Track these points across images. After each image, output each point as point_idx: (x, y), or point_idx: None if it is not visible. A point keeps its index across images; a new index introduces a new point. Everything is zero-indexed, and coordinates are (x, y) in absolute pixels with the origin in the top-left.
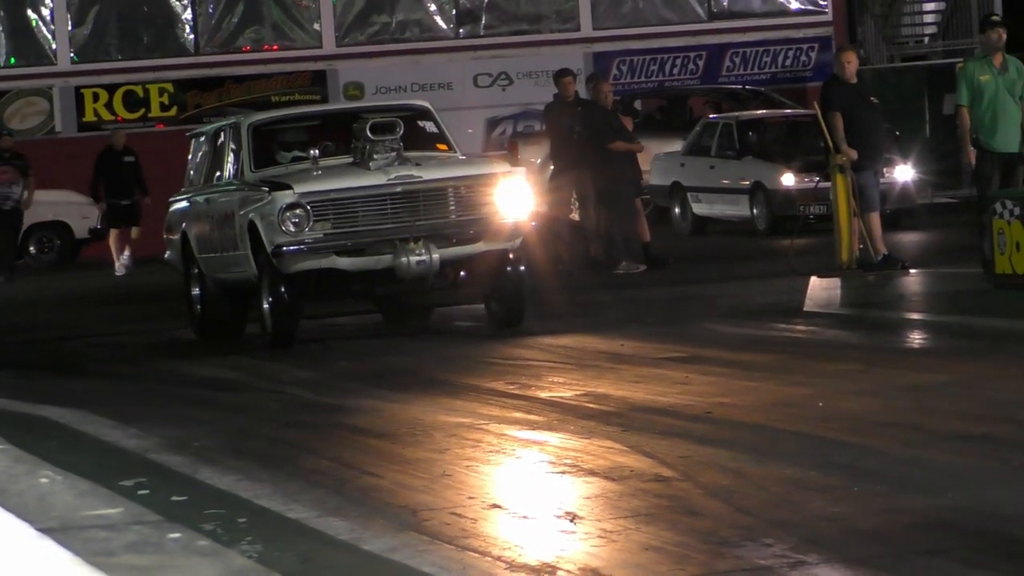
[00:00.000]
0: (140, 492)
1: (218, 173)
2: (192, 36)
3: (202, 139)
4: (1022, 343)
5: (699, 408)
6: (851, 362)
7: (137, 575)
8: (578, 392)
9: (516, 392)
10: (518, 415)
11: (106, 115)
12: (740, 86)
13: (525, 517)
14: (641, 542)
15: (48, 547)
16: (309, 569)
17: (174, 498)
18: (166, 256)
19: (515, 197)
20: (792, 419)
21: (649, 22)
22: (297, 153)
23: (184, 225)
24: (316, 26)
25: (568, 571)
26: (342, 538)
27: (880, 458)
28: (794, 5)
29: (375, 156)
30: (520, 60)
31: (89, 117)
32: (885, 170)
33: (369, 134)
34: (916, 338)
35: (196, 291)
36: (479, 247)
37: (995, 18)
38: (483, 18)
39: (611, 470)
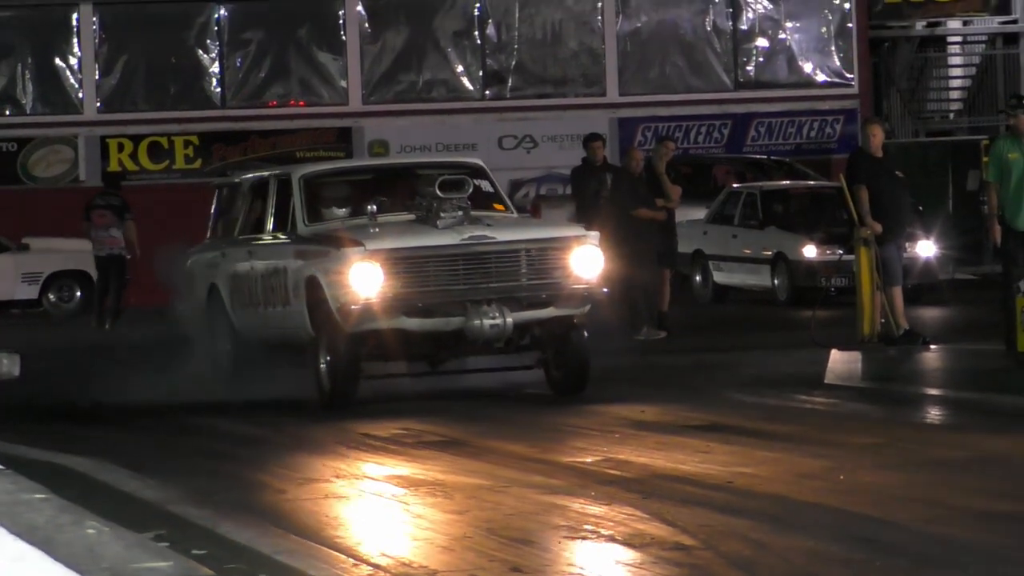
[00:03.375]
0: (162, 545)
1: (260, 226)
2: (219, 89)
3: (236, 190)
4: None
5: (720, 477)
6: (872, 435)
7: None
8: (599, 457)
9: (537, 455)
10: (538, 479)
11: (131, 165)
12: (765, 156)
13: None
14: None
15: None
16: None
17: (194, 551)
18: (179, 309)
19: (588, 262)
20: (813, 491)
21: (675, 89)
22: (336, 208)
23: (214, 278)
24: (343, 83)
25: None
26: None
27: (901, 533)
28: (820, 77)
29: (442, 214)
30: (545, 123)
31: (113, 167)
32: (908, 245)
33: (437, 191)
34: (937, 414)
35: (226, 346)
36: (550, 312)
37: (1014, 100)
38: (509, 80)
39: (631, 537)
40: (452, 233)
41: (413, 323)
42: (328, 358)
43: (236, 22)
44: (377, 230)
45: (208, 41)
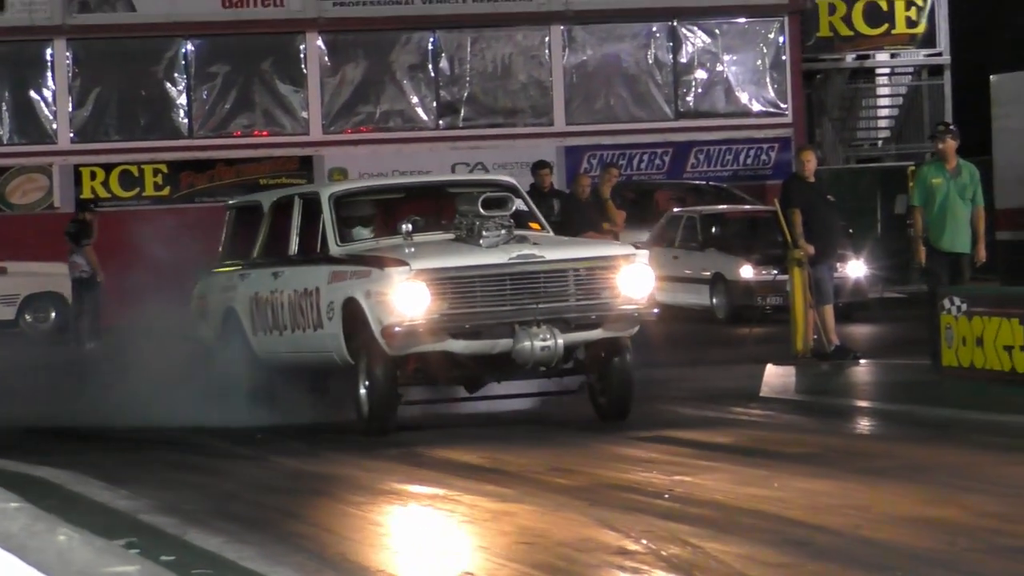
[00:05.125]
0: (131, 552)
1: (283, 247)
2: (186, 120)
3: (252, 211)
4: (967, 432)
5: (662, 486)
6: (805, 445)
7: None
8: (549, 467)
9: (487, 465)
10: (489, 487)
11: (103, 193)
12: (704, 181)
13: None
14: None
15: None
16: None
17: (163, 557)
18: (192, 331)
19: (638, 281)
20: (749, 498)
21: (619, 119)
22: (367, 227)
23: (231, 301)
24: (304, 114)
25: None
26: None
27: (833, 537)
28: (756, 107)
29: (485, 233)
30: (496, 151)
31: (86, 194)
32: (839, 265)
33: (480, 209)
34: (867, 424)
35: (242, 369)
36: (600, 334)
37: (941, 127)
38: (462, 111)
39: (579, 543)
40: (499, 252)
41: (460, 345)
42: (367, 382)
43: (202, 56)
44: (413, 250)
45: (176, 74)
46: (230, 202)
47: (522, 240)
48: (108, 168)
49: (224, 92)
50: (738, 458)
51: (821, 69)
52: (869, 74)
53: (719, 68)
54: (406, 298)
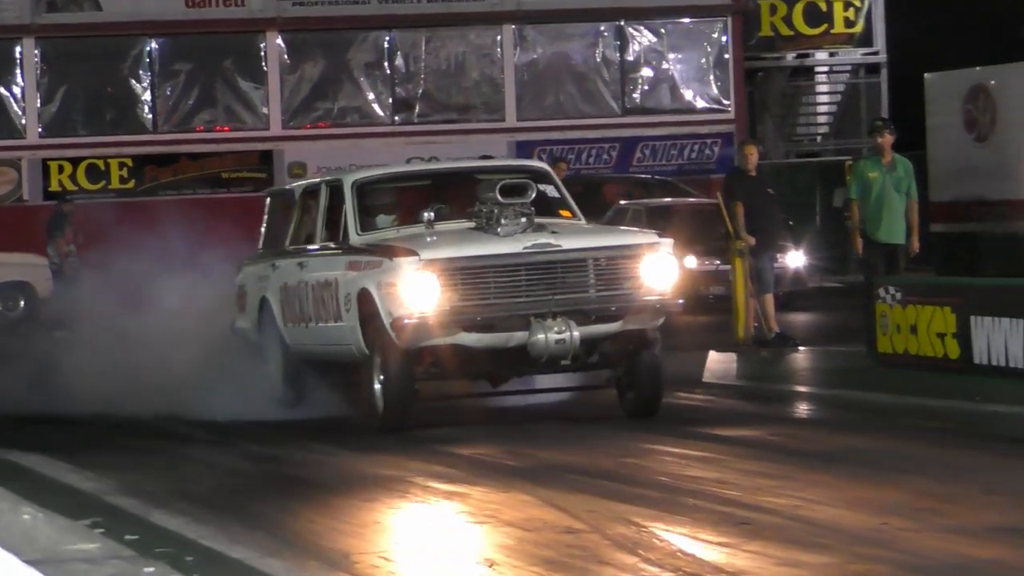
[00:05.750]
0: (98, 531)
1: (310, 235)
2: (151, 116)
3: (287, 198)
4: (900, 415)
5: (607, 467)
6: (746, 428)
7: None
8: (498, 449)
9: (440, 448)
10: (440, 468)
11: (70, 186)
12: (650, 176)
13: (448, 562)
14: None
15: None
16: None
17: (127, 537)
18: (235, 325)
19: (661, 271)
20: (691, 479)
21: (568, 115)
22: (391, 215)
23: (265, 291)
24: (264, 110)
25: None
26: None
27: (772, 517)
28: (700, 104)
29: (503, 221)
30: (450, 147)
31: (54, 187)
32: (780, 256)
33: (498, 196)
34: (805, 409)
35: (277, 363)
36: (620, 326)
37: (879, 123)
38: (417, 107)
39: (526, 521)
40: (514, 241)
41: (472, 339)
42: (382, 377)
43: (166, 54)
44: (434, 239)
45: (141, 72)
46: (268, 190)
47: (540, 229)
48: (75, 162)
49: (187, 89)
50: (681, 441)
51: (763, 67)
52: (809, 72)
53: (664, 66)
54: (415, 289)
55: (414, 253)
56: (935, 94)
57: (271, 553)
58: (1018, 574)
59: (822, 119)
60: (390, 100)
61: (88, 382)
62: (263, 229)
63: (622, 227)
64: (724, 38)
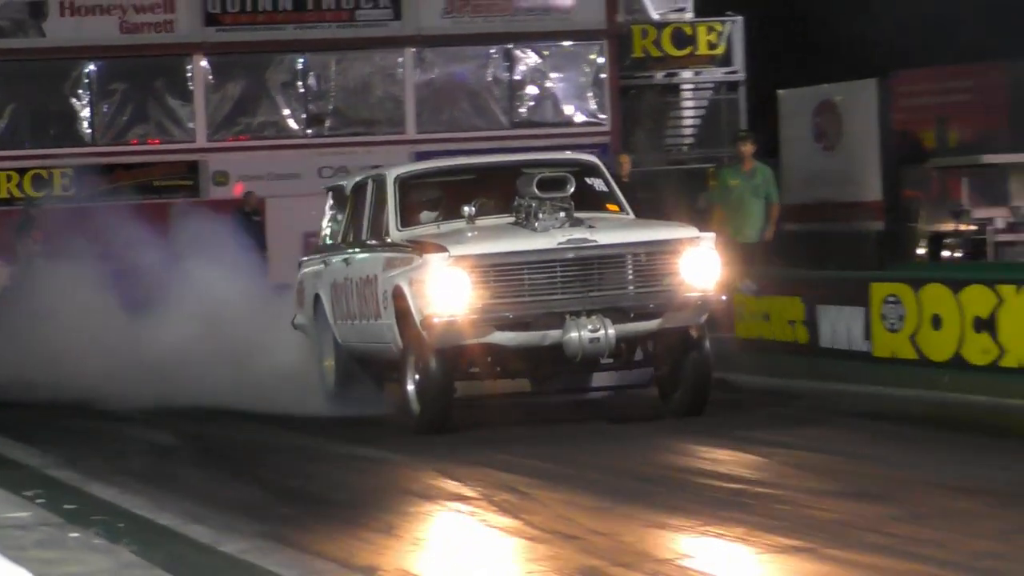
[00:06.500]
0: (38, 501)
1: (357, 231)
2: (90, 130)
3: (340, 193)
4: (759, 395)
5: (500, 441)
6: (616, 410)
7: (45, 566)
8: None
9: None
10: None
11: (16, 192)
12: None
13: (352, 528)
14: (448, 548)
15: None
16: (179, 566)
17: (66, 506)
18: (295, 320)
19: (703, 266)
20: (569, 453)
21: (463, 128)
22: (433, 211)
23: (317, 288)
24: (191, 124)
25: (387, 571)
26: (204, 541)
27: (639, 484)
28: (580, 118)
29: (541, 216)
30: (357, 157)
31: (3, 195)
32: None
33: (536, 190)
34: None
35: (330, 359)
36: (659, 324)
37: (743, 133)
38: (327, 121)
39: (424, 490)
40: (549, 236)
41: (506, 337)
42: (416, 377)
43: (103, 76)
44: (472, 234)
45: (80, 91)
46: (326, 185)
47: (578, 223)
48: (22, 172)
49: (122, 106)
50: (567, 420)
51: (635, 85)
52: (676, 89)
53: (548, 84)
54: (445, 286)
55: (443, 249)
56: (788, 108)
57: (197, 520)
58: (856, 532)
59: (688, 131)
60: (303, 115)
61: (43, 365)
62: (322, 225)
63: (663, 221)
64: (600, 59)
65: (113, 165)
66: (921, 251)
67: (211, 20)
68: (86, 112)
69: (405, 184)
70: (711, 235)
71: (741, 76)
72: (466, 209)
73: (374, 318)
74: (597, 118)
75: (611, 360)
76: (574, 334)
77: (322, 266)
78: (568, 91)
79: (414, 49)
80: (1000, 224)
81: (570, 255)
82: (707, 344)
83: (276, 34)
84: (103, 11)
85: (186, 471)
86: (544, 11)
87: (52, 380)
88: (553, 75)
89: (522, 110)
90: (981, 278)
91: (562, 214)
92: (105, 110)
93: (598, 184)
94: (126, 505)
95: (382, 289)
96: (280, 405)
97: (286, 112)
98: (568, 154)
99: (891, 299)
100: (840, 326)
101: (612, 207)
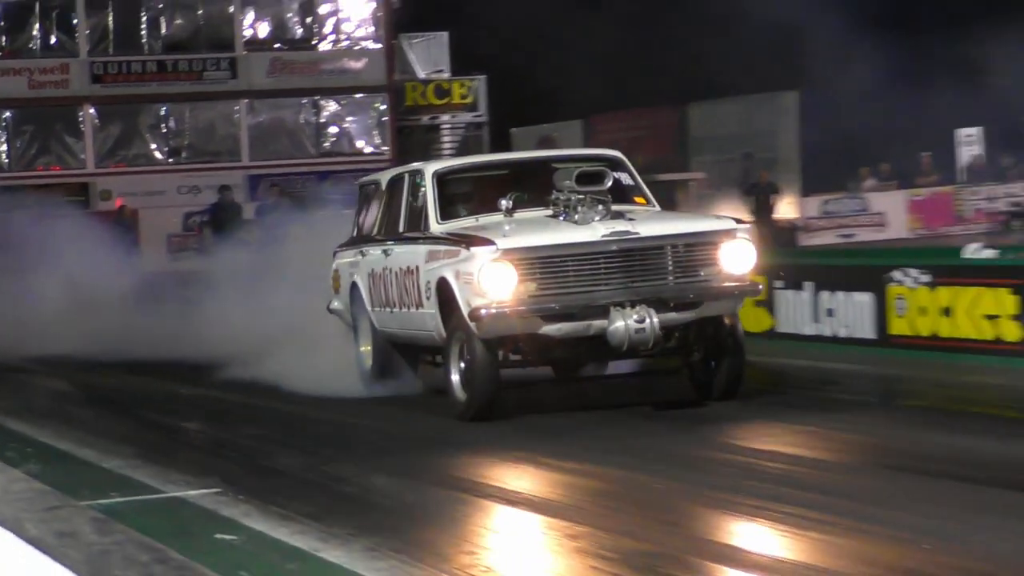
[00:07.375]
0: None
1: (395, 223)
2: (8, 160)
3: (374, 187)
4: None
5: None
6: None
7: None
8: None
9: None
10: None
11: None
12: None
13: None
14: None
15: None
16: (71, 479)
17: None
18: (331, 305)
19: (740, 257)
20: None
21: (282, 157)
22: (471, 204)
23: (354, 276)
24: (82, 155)
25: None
26: (90, 460)
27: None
28: (368, 150)
29: (580, 209)
30: (205, 178)
31: None
32: None
33: (575, 184)
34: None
35: (367, 343)
36: (699, 313)
37: None
38: (183, 152)
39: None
40: (591, 229)
41: (551, 328)
42: (462, 366)
43: (16, 120)
44: (512, 227)
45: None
46: (358, 180)
47: (618, 216)
48: None
49: (31, 142)
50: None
51: (408, 125)
52: (438, 128)
53: (345, 125)
54: (493, 279)
55: (491, 242)
56: (518, 142)
57: (88, 445)
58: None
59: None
60: (166, 148)
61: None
62: (356, 217)
63: (701, 213)
64: (383, 106)
65: (24, 186)
66: None
67: (96, 79)
68: (3, 147)
69: (443, 179)
70: (747, 227)
71: (485, 118)
72: (503, 203)
73: (415, 307)
74: (380, 150)
75: (648, 349)
76: (620, 324)
77: (359, 256)
78: (359, 130)
79: (247, 100)
80: None
81: (613, 247)
82: (740, 330)
83: (145, 89)
84: (15, 72)
85: (106, 420)
86: (341, 72)
87: None
88: (348, 118)
89: (325, 144)
90: None
91: (601, 207)
92: (18, 146)
93: (624, 178)
94: (47, 440)
95: (424, 280)
96: (322, 386)
97: (153, 146)
98: (595, 150)
99: None
100: None
101: (640, 200)
